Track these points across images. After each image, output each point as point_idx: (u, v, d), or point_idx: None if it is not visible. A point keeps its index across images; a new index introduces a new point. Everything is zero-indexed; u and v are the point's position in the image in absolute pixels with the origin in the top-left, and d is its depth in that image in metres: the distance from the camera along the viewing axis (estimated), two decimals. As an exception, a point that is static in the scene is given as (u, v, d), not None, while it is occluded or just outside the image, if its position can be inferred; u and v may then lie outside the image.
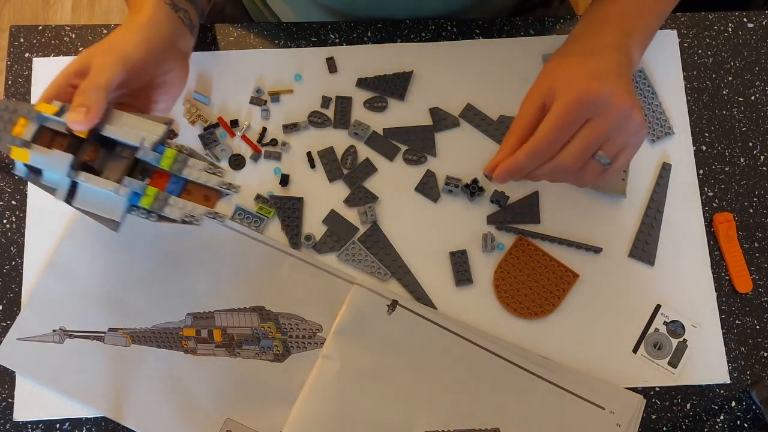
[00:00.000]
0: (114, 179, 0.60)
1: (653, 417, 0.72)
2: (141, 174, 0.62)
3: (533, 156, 0.59)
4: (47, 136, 0.61)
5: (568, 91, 0.59)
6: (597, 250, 0.74)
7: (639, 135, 0.61)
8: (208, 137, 0.76)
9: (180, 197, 0.62)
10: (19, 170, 0.61)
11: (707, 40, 0.82)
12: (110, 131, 0.60)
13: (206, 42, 0.79)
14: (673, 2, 0.71)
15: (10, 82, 0.78)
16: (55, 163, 0.59)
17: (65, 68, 0.63)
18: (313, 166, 0.77)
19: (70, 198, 0.61)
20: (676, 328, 0.73)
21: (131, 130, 0.61)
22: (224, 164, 0.76)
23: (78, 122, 0.58)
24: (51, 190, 0.62)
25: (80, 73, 0.62)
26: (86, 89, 0.59)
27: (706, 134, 0.79)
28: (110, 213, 0.61)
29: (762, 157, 0.79)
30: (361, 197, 0.76)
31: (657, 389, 0.72)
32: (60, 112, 0.60)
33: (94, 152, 0.61)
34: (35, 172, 0.62)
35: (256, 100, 0.78)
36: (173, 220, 0.62)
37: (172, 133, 0.76)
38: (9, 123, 0.61)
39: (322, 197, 0.76)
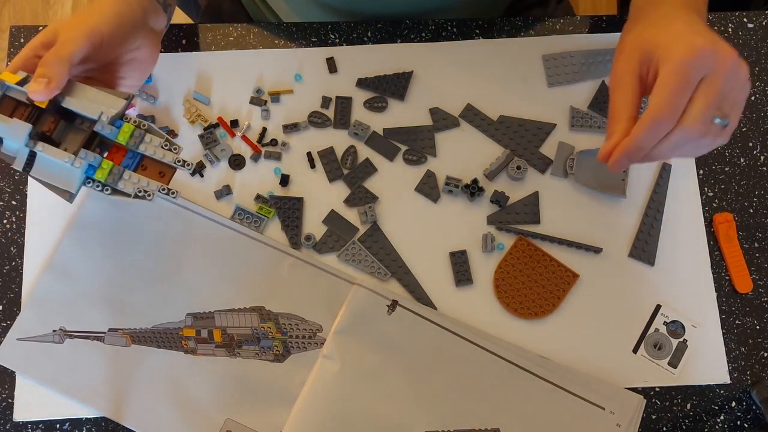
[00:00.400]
0: (71, 151, 0.62)
1: (653, 417, 0.72)
2: (99, 147, 0.63)
3: (655, 128, 0.55)
4: (10, 106, 0.62)
5: (674, 52, 0.55)
6: (597, 251, 0.74)
7: (746, 89, 0.58)
8: (208, 137, 0.76)
9: (136, 172, 0.64)
10: None
11: (707, 41, 0.82)
12: (70, 103, 0.62)
13: (206, 42, 0.79)
14: None
15: (10, 83, 0.78)
16: (14, 131, 0.60)
17: (33, 40, 0.63)
18: (313, 166, 0.77)
19: (27, 167, 0.62)
20: (676, 328, 0.73)
21: (91, 103, 0.62)
22: (224, 164, 0.76)
23: (38, 92, 0.59)
24: (10, 159, 0.63)
25: (47, 44, 0.62)
26: (49, 60, 0.60)
27: (706, 134, 0.79)
28: (65, 184, 0.62)
29: (762, 157, 0.79)
30: (361, 197, 0.76)
31: (657, 389, 0.72)
32: (23, 82, 0.61)
33: (53, 123, 0.62)
34: None
35: (256, 100, 0.78)
36: (127, 194, 0.63)
37: (171, 133, 0.76)
38: None
39: (322, 197, 0.76)
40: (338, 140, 0.77)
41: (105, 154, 0.63)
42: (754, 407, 0.72)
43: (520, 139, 0.77)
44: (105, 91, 0.63)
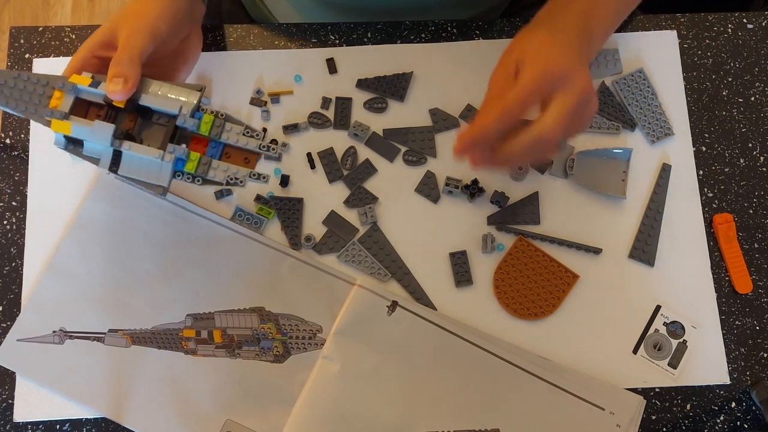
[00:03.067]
0: (156, 147, 0.62)
1: (653, 418, 0.72)
2: (179, 141, 0.63)
3: (500, 119, 0.60)
4: (82, 108, 0.62)
5: (537, 62, 0.60)
6: (597, 251, 0.74)
7: (588, 122, 0.64)
8: (208, 138, 0.76)
9: (221, 161, 0.64)
10: (58, 142, 0.62)
11: (707, 41, 0.82)
12: (147, 100, 0.62)
13: (206, 43, 0.79)
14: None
15: (10, 83, 0.78)
16: (98, 133, 0.60)
17: (89, 40, 0.63)
18: (313, 167, 0.77)
19: (114, 167, 0.62)
20: (676, 328, 0.73)
21: (166, 98, 0.62)
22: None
23: (117, 92, 0.60)
24: (93, 161, 0.63)
25: (105, 44, 0.63)
26: (121, 60, 0.60)
27: (706, 135, 0.79)
28: (157, 180, 0.62)
29: (762, 158, 0.79)
30: (361, 198, 0.76)
31: (657, 390, 0.72)
32: (94, 84, 0.61)
33: (132, 121, 0.63)
34: (75, 144, 0.63)
35: (256, 101, 0.78)
36: (218, 183, 0.64)
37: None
38: (43, 96, 0.62)
39: (322, 198, 0.76)
40: (338, 141, 0.77)
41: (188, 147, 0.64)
42: (754, 407, 0.72)
43: (520, 140, 0.77)
44: (175, 85, 0.63)
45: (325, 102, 0.78)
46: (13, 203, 0.75)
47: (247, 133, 0.64)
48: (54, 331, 0.71)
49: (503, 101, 0.60)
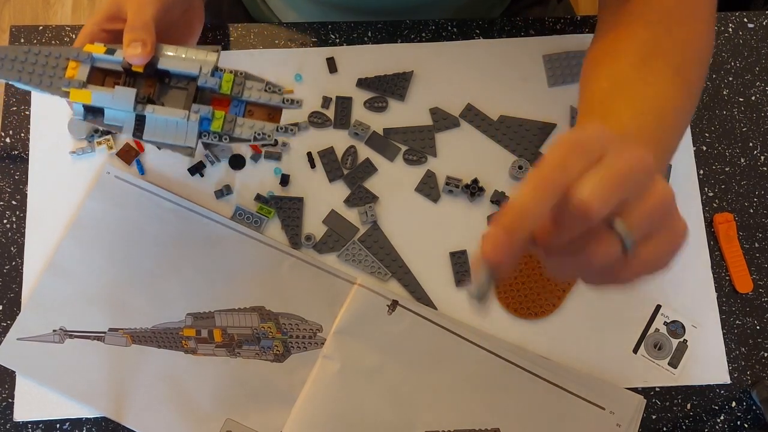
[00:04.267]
0: (180, 108, 0.61)
1: (653, 417, 0.72)
2: (200, 103, 0.63)
3: (541, 187, 0.40)
4: (98, 77, 0.62)
5: (571, 132, 0.43)
6: (597, 251, 0.74)
7: (665, 208, 0.43)
8: (208, 137, 0.76)
9: (245, 118, 0.63)
10: (77, 113, 0.62)
11: (707, 41, 0.82)
12: (166, 63, 0.61)
13: (206, 43, 0.79)
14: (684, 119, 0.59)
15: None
16: (120, 99, 0.60)
17: (94, 15, 0.63)
18: (313, 166, 0.77)
19: (138, 133, 0.62)
20: (676, 328, 0.73)
21: (187, 60, 0.62)
22: (224, 164, 0.76)
23: (137, 56, 0.59)
24: (116, 128, 0.62)
25: (112, 17, 0.63)
26: (136, 25, 0.60)
27: (706, 134, 0.79)
28: (184, 141, 0.61)
29: (762, 157, 0.79)
30: (362, 197, 0.76)
31: (657, 389, 0.72)
32: (109, 51, 0.61)
33: (151, 87, 0.62)
34: (94, 113, 0.62)
35: (257, 101, 0.78)
36: (245, 140, 0.63)
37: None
38: (58, 68, 0.61)
39: (323, 197, 0.76)
40: (338, 140, 0.77)
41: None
42: (754, 407, 0.72)
43: (520, 139, 0.77)
44: (192, 48, 0.63)
45: (326, 101, 0.78)
46: (13, 203, 0.75)
47: (269, 89, 0.63)
48: (54, 330, 0.71)
49: (535, 169, 0.41)
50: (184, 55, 0.62)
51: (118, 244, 0.73)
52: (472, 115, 0.78)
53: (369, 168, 0.76)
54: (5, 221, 0.75)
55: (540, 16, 0.82)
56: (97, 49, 0.61)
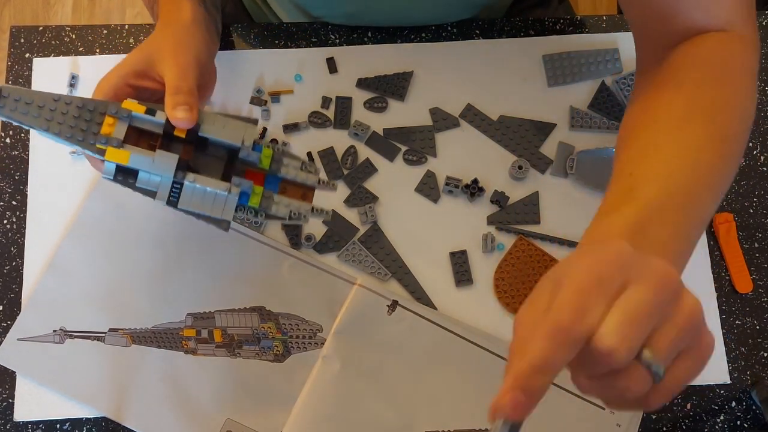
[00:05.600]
0: (218, 179, 0.59)
1: (653, 417, 0.72)
2: (234, 173, 0.60)
3: (558, 336, 0.38)
4: (132, 136, 0.58)
5: (583, 258, 0.41)
6: (597, 251, 0.74)
7: (694, 328, 0.39)
8: (208, 137, 0.76)
9: (280, 195, 0.62)
10: (107, 172, 0.58)
11: (707, 41, 0.82)
12: (209, 131, 0.59)
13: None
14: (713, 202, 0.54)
15: (10, 83, 0.78)
16: (161, 164, 0.57)
17: (120, 68, 0.61)
18: (313, 166, 0.77)
19: (173, 201, 0.59)
20: (676, 328, 0.73)
21: (227, 129, 0.59)
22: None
23: (184, 120, 0.57)
24: (148, 193, 0.59)
25: (140, 73, 0.61)
26: (182, 88, 0.58)
27: (706, 134, 0.79)
28: (221, 213, 0.59)
29: (762, 158, 0.79)
30: (362, 197, 0.76)
31: (657, 389, 0.72)
32: (149, 112, 0.58)
33: (188, 152, 0.59)
34: (126, 174, 0.58)
35: (257, 101, 0.78)
36: (281, 218, 0.61)
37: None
38: (92, 122, 0.58)
39: (323, 197, 0.76)
40: (338, 140, 0.77)
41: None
42: (754, 407, 0.72)
43: (520, 139, 0.77)
44: (232, 117, 0.60)
45: (326, 101, 0.78)
46: (13, 203, 0.75)
47: (305, 168, 0.61)
48: (54, 331, 0.71)
49: (551, 314, 0.38)
50: (223, 124, 0.59)
51: (118, 244, 0.73)
52: (472, 115, 0.78)
53: (369, 168, 0.76)
54: (5, 221, 0.75)
55: (541, 17, 0.82)
56: (137, 108, 0.58)
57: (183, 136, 0.58)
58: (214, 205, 0.58)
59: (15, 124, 0.57)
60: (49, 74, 0.78)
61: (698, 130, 0.54)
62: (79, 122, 0.57)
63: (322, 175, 0.61)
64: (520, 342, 0.40)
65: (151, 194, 0.58)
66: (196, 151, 0.60)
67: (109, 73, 0.61)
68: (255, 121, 0.60)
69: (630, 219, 0.48)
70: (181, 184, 0.58)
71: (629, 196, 0.51)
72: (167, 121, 0.57)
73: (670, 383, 0.39)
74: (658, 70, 0.61)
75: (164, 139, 0.58)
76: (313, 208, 0.61)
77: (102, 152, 0.57)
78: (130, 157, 0.57)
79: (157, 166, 0.57)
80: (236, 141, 0.58)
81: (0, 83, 0.58)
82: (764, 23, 0.82)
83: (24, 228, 0.75)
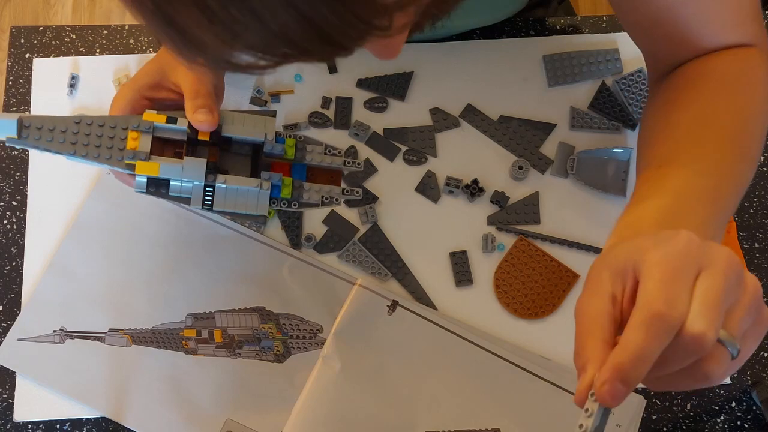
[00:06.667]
0: (246, 176, 0.60)
1: (653, 417, 0.72)
2: (261, 168, 0.61)
3: (656, 326, 0.39)
4: (158, 147, 0.59)
5: (655, 247, 0.42)
6: (597, 251, 0.74)
7: (758, 306, 0.42)
8: (208, 138, 0.76)
9: (310, 182, 0.63)
10: (139, 186, 0.58)
11: (707, 41, 0.82)
12: (231, 130, 0.60)
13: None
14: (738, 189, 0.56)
15: (10, 83, 0.78)
16: (191, 170, 0.58)
17: (134, 82, 0.62)
18: (313, 166, 0.77)
19: (208, 204, 0.59)
20: (676, 328, 0.73)
21: (248, 127, 0.60)
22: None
23: (206, 122, 0.58)
24: (183, 200, 0.59)
25: (155, 85, 0.62)
26: (200, 92, 0.59)
27: (707, 134, 0.79)
28: (256, 210, 0.60)
29: (762, 157, 0.79)
30: (362, 197, 0.76)
31: (657, 389, 0.72)
32: (170, 120, 0.58)
33: (214, 154, 0.60)
34: (157, 185, 0.59)
35: (257, 101, 0.78)
36: (314, 205, 0.62)
37: None
38: (116, 139, 0.58)
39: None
40: (339, 140, 0.77)
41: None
42: (754, 407, 0.72)
43: (520, 139, 0.77)
44: (250, 114, 0.61)
45: (326, 101, 0.78)
46: (13, 203, 0.75)
47: (329, 152, 0.62)
48: (54, 331, 0.71)
49: (641, 306, 0.39)
50: (243, 122, 0.60)
51: (118, 244, 0.73)
52: (472, 115, 0.78)
53: (369, 168, 0.76)
54: (5, 221, 0.75)
55: (541, 17, 0.82)
56: (158, 118, 0.58)
57: (207, 139, 0.59)
58: (248, 202, 0.60)
59: (41, 152, 0.57)
60: (49, 74, 0.78)
61: (720, 132, 0.57)
62: (103, 141, 0.58)
63: (348, 157, 0.63)
64: (585, 332, 0.42)
65: (186, 201, 0.59)
66: (221, 152, 0.61)
67: (123, 88, 0.62)
68: (273, 113, 0.61)
69: (662, 207, 0.51)
70: (213, 187, 0.59)
71: (660, 187, 0.54)
72: (189, 126, 0.58)
73: (742, 357, 0.42)
74: (682, 74, 0.63)
75: (189, 145, 0.59)
76: (343, 190, 0.63)
77: (132, 167, 0.57)
78: (160, 167, 0.57)
79: (187, 173, 0.58)
80: (259, 136, 0.60)
81: (17, 114, 0.57)
82: (764, 23, 0.82)
83: (24, 228, 0.75)
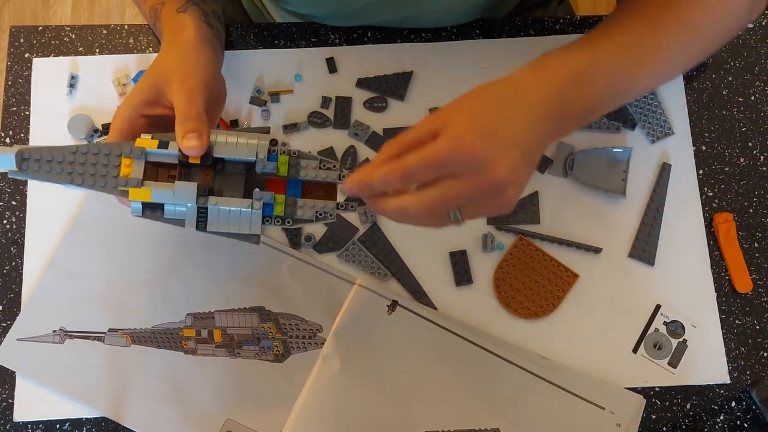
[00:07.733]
0: (238, 197, 0.60)
1: (653, 417, 0.72)
2: (255, 187, 0.61)
3: (386, 181, 0.52)
4: (152, 171, 0.60)
5: (454, 135, 0.51)
6: (597, 251, 0.74)
7: (502, 208, 0.53)
8: (208, 137, 0.76)
9: (304, 198, 0.63)
10: (135, 210, 0.59)
11: (707, 40, 0.82)
12: (222, 151, 0.60)
13: (206, 42, 0.79)
14: (667, 69, 0.63)
15: (10, 83, 0.78)
16: (181, 194, 0.58)
17: (131, 100, 0.62)
18: (313, 166, 0.76)
19: (201, 225, 0.60)
20: (676, 328, 0.73)
21: (240, 146, 0.60)
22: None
23: (195, 147, 0.58)
24: (177, 223, 0.60)
25: (150, 102, 0.62)
26: (190, 116, 0.59)
27: (706, 134, 0.79)
28: (249, 229, 0.60)
29: (762, 157, 0.79)
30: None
31: (657, 389, 0.72)
32: (162, 145, 0.59)
33: (207, 175, 0.60)
34: (153, 209, 0.60)
35: (256, 100, 0.78)
36: (308, 221, 0.62)
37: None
38: (110, 166, 0.59)
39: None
40: (338, 140, 0.77)
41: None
42: (754, 407, 0.72)
43: (520, 139, 0.77)
44: (243, 132, 0.61)
45: (325, 101, 0.78)
46: (13, 202, 0.75)
47: (323, 165, 0.62)
48: (54, 331, 0.71)
49: (398, 163, 0.52)
50: (236, 141, 0.60)
51: (118, 244, 0.73)
52: (472, 115, 0.78)
53: (369, 168, 0.76)
54: (5, 221, 0.75)
55: (541, 17, 0.82)
56: (149, 144, 0.59)
57: (198, 162, 0.59)
58: (241, 222, 0.60)
59: (40, 182, 0.59)
60: (49, 74, 0.79)
61: (668, 18, 0.62)
62: (98, 169, 0.59)
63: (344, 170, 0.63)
64: (396, 144, 0.54)
65: (180, 223, 0.60)
66: (215, 171, 0.61)
67: (121, 107, 0.62)
68: (267, 130, 0.62)
69: (577, 66, 0.59)
70: (206, 209, 0.59)
71: (588, 48, 0.61)
72: (181, 150, 0.58)
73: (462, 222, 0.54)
74: None
75: (182, 167, 0.60)
76: (338, 204, 0.62)
77: (126, 194, 0.59)
78: (152, 193, 0.58)
79: (179, 197, 0.59)
80: (250, 156, 0.60)
81: (16, 146, 0.59)
82: (764, 23, 0.82)
83: (24, 228, 0.75)
